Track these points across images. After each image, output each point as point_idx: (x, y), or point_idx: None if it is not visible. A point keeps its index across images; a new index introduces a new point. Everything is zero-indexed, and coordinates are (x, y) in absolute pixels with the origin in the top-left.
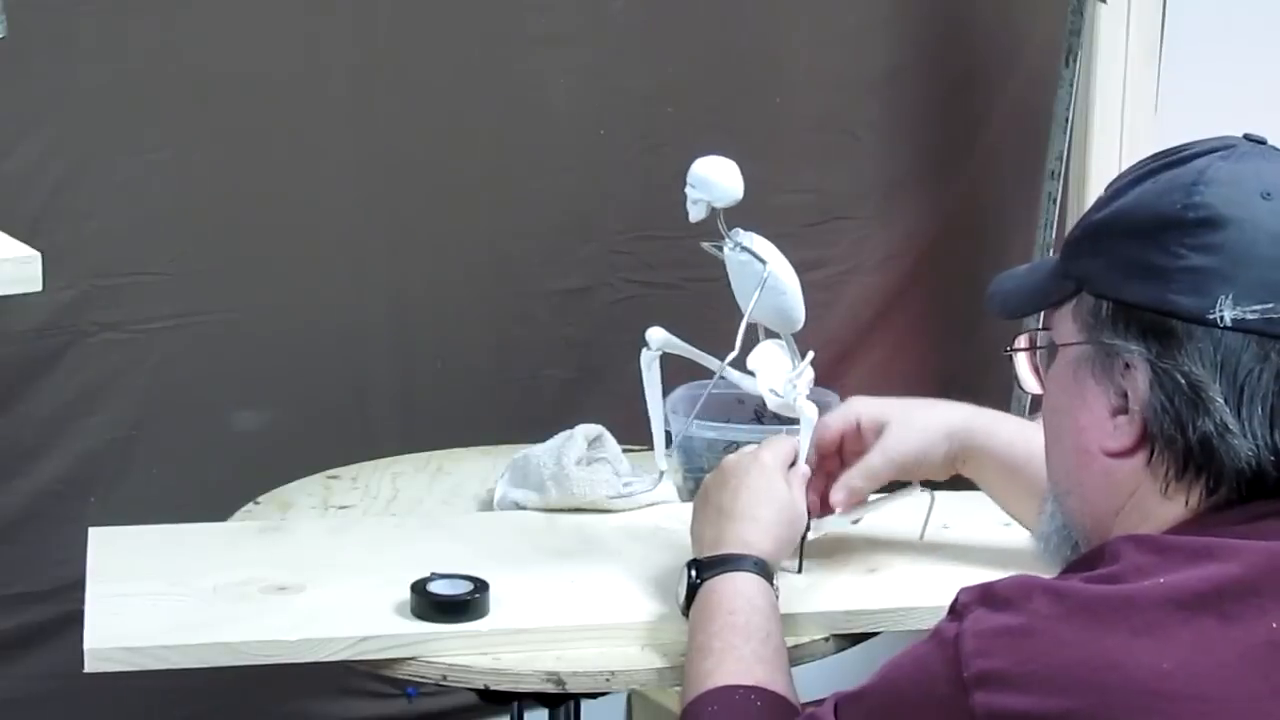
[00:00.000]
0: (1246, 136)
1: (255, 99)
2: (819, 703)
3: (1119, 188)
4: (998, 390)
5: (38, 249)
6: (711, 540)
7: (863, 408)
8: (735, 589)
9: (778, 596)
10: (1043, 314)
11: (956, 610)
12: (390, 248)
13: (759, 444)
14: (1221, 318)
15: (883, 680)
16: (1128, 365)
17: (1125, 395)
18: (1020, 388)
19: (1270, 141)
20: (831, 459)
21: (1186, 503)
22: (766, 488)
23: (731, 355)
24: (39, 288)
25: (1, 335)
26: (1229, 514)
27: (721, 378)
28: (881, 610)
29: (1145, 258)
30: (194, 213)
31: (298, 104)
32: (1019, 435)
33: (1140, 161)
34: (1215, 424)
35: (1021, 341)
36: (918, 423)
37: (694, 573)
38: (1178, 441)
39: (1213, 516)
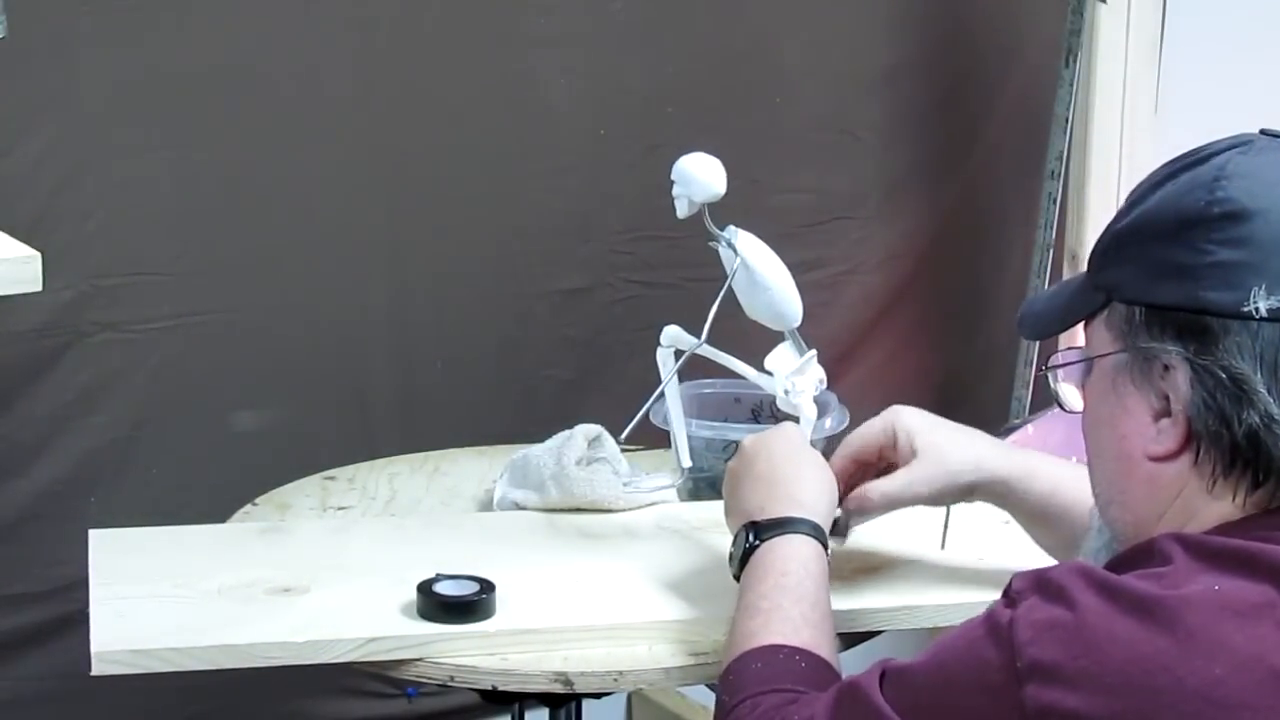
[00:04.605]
0: (1263, 131)
1: (255, 99)
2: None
3: (1140, 194)
4: (995, 390)
5: (38, 249)
6: (759, 506)
7: (900, 424)
8: (791, 552)
9: (830, 562)
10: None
11: (1010, 596)
12: (390, 248)
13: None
14: (1257, 309)
15: (933, 660)
16: (1167, 367)
17: (1166, 398)
18: (1062, 408)
19: None
20: (869, 468)
21: (1234, 498)
22: (800, 450)
23: (698, 344)
24: (39, 288)
25: (1, 335)
26: (1276, 517)
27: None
28: (883, 609)
29: (1173, 258)
30: (194, 213)
31: (298, 104)
32: (1054, 489)
33: (1159, 168)
34: (1261, 415)
35: (1058, 359)
36: (947, 466)
37: (752, 535)
38: (1224, 437)
39: (1260, 520)
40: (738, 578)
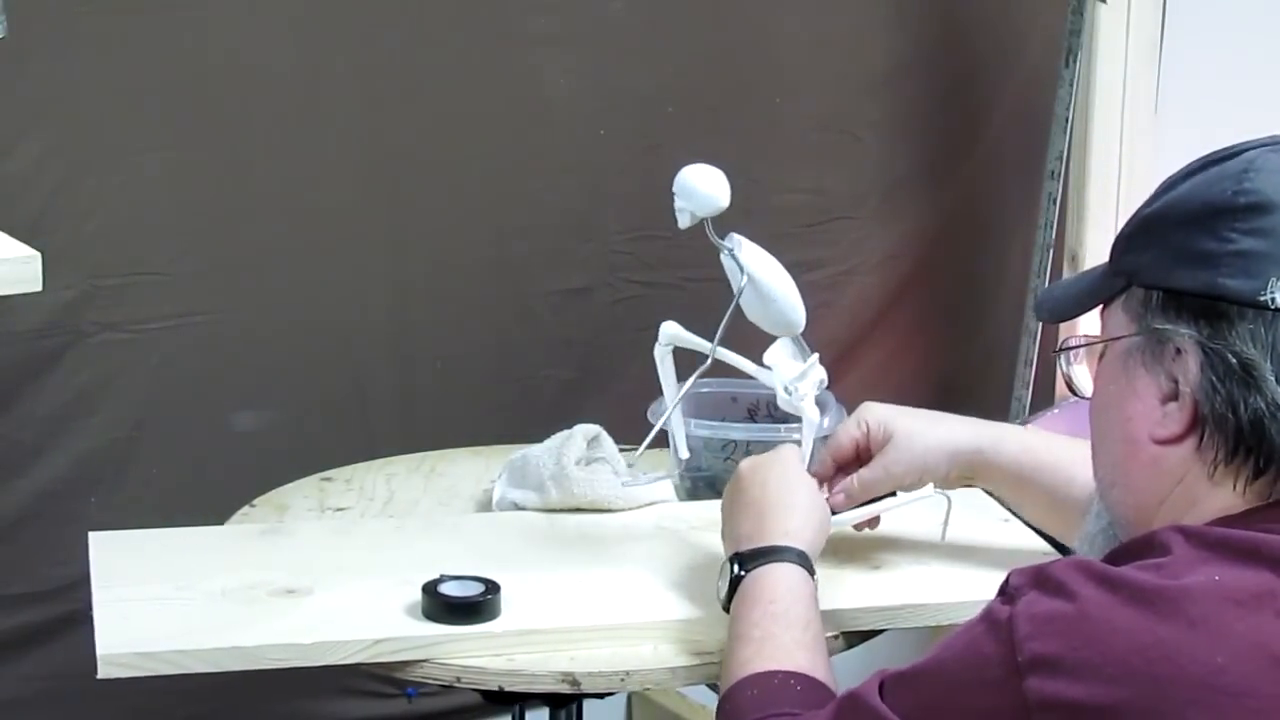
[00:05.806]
0: None
1: (255, 99)
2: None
3: (1169, 183)
4: (997, 389)
5: (38, 249)
6: (749, 534)
7: (871, 416)
8: (777, 579)
9: (817, 588)
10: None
11: (1008, 592)
12: (390, 247)
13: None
14: (1273, 299)
15: (933, 661)
16: (1179, 350)
17: (1176, 381)
18: (1073, 392)
19: None
20: (849, 466)
21: (1234, 486)
22: (795, 477)
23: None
24: (39, 288)
25: (1, 335)
26: (1277, 510)
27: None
28: (887, 608)
29: (1195, 245)
30: (194, 213)
31: (298, 104)
32: (1025, 450)
33: (1192, 161)
34: (1267, 402)
35: (1072, 341)
36: (920, 442)
37: (737, 566)
38: (1229, 422)
39: (1261, 512)
40: (727, 609)
